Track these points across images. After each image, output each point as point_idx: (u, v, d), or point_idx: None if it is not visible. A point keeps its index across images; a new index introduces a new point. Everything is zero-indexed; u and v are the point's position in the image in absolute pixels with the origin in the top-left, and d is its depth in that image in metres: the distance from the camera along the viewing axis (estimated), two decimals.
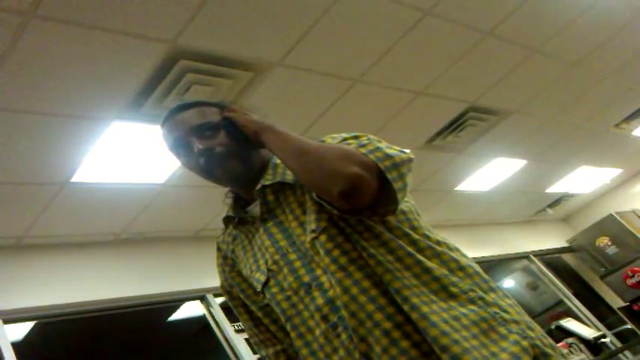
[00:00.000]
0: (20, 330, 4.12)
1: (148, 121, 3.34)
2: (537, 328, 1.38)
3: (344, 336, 1.36)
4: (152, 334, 5.85)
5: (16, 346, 3.58)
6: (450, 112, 4.72)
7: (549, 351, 1.31)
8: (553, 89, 4.97)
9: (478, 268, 1.46)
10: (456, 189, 6.23)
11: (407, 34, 3.62)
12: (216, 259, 1.71)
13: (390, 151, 1.36)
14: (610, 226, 7.84)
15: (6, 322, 3.63)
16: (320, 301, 1.40)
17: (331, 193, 1.32)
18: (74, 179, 3.58)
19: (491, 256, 7.12)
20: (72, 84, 2.94)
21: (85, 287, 4.01)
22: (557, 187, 7.48)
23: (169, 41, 2.93)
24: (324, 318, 1.40)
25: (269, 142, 1.46)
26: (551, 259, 8.15)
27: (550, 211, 8.12)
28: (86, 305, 3.99)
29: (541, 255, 7.88)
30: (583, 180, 7.64)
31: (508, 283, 8.35)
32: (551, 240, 8.26)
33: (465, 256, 1.47)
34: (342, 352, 1.37)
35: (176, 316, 5.40)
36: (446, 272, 1.38)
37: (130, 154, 3.63)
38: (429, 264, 1.38)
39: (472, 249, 6.77)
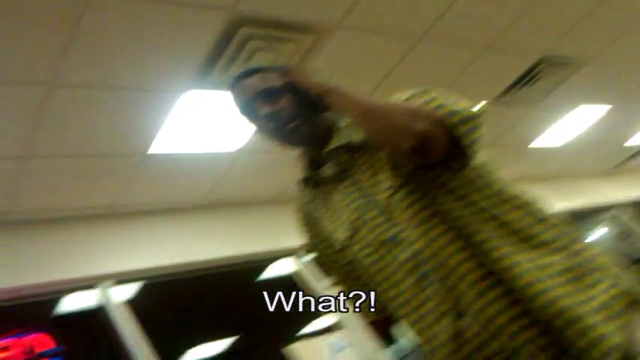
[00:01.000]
0: (127, 291, 4.44)
1: (218, 89, 3.45)
2: (626, 276, 1.38)
3: (433, 287, 1.39)
4: (246, 292, 6.12)
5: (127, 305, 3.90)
6: (521, 66, 4.58)
7: None
8: (632, 34, 4.72)
9: (561, 218, 1.46)
10: (530, 146, 6.03)
11: None
12: (298, 221, 1.75)
13: (457, 107, 1.37)
14: None
15: (113, 283, 3.96)
16: (404, 255, 1.43)
17: (402, 149, 1.34)
18: (153, 150, 3.78)
19: (575, 208, 6.91)
20: (140, 58, 3.08)
21: (180, 250, 4.27)
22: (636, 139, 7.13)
23: (230, 8, 2.99)
24: (412, 271, 1.42)
25: (335, 103, 1.48)
26: None
27: (633, 161, 7.77)
28: (184, 267, 4.25)
29: (628, 205, 7.58)
30: None
31: (596, 234, 8.09)
32: (638, 189, 7.92)
33: (546, 208, 1.46)
34: (431, 303, 1.40)
35: (268, 274, 5.61)
36: (528, 223, 1.39)
37: (203, 123, 3.76)
38: (510, 216, 1.39)
39: (557, 201, 6.57)
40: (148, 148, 3.77)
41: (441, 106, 1.38)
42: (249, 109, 1.57)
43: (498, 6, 3.87)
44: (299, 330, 7.87)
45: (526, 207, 1.44)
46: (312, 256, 1.78)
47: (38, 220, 3.93)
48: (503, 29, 4.08)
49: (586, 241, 1.45)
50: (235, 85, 1.60)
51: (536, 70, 4.65)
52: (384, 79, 4.08)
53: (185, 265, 4.27)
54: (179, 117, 3.61)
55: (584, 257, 1.37)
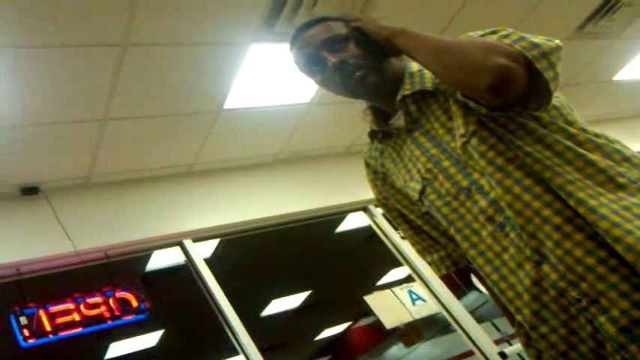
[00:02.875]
0: (209, 247, 4.57)
1: (284, 41, 3.39)
2: None
3: (512, 234, 1.36)
4: (324, 245, 6.19)
5: (208, 262, 3.99)
6: None
7: None
8: None
9: None
10: (614, 78, 5.77)
11: None
12: (367, 175, 1.72)
13: (536, 40, 1.30)
14: None
15: (195, 240, 4.06)
16: (483, 203, 1.40)
17: (479, 88, 1.27)
18: (227, 106, 3.82)
19: None
20: (204, 12, 3.09)
21: (257, 206, 4.33)
22: None
23: None
24: (490, 219, 1.39)
25: (404, 45, 1.42)
26: None
27: None
28: (261, 222, 4.32)
29: None
30: None
31: None
32: None
33: (627, 147, 1.40)
34: (512, 250, 1.37)
35: (343, 227, 5.61)
36: (611, 163, 1.34)
37: (273, 75, 3.76)
38: (592, 156, 1.34)
39: (638, 142, 6.31)
40: (222, 104, 3.81)
41: (520, 38, 1.31)
42: (313, 60, 1.52)
43: None
44: (376, 282, 7.96)
45: (608, 146, 1.37)
46: (384, 209, 1.74)
47: (118, 181, 4.05)
48: None
49: None
50: (296, 38, 1.55)
51: None
52: (458, 12, 3.94)
53: (262, 220, 4.33)
54: (250, 71, 3.62)
55: None
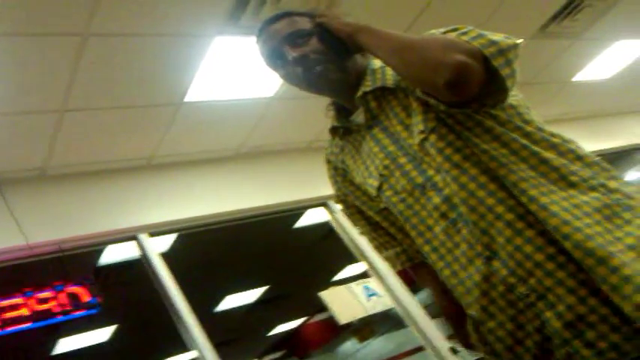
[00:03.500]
0: (165, 242, 4.49)
1: (249, 34, 3.36)
2: None
3: (464, 231, 1.38)
4: (282, 240, 6.16)
5: (164, 256, 3.93)
6: None
7: None
8: None
9: (597, 157, 1.43)
10: (573, 79, 5.90)
11: None
12: (328, 172, 1.73)
13: (494, 37, 1.31)
14: None
15: (152, 235, 3.99)
16: (436, 200, 1.42)
17: (437, 84, 1.28)
18: (188, 98, 3.75)
19: (615, 147, 6.77)
20: (169, 3, 3.05)
21: (215, 200, 4.28)
22: None
23: None
24: (443, 216, 1.41)
25: (366, 41, 1.43)
26: None
27: None
28: (219, 216, 4.26)
29: None
30: None
31: (632, 175, 7.93)
32: None
33: (581, 147, 1.43)
34: (464, 246, 1.39)
35: (302, 223, 5.60)
36: (564, 162, 1.36)
37: (236, 69, 3.72)
38: (546, 155, 1.36)
39: (594, 141, 6.44)
40: (184, 96, 3.75)
41: (478, 36, 1.32)
42: (276, 54, 1.53)
43: None
44: (333, 277, 7.96)
45: (563, 145, 1.40)
46: (342, 205, 1.74)
47: (76, 173, 3.95)
48: None
49: (622, 178, 1.41)
50: (262, 31, 1.56)
51: None
52: (423, 11, 3.96)
53: (220, 215, 4.28)
54: (213, 64, 3.58)
55: (620, 195, 1.33)
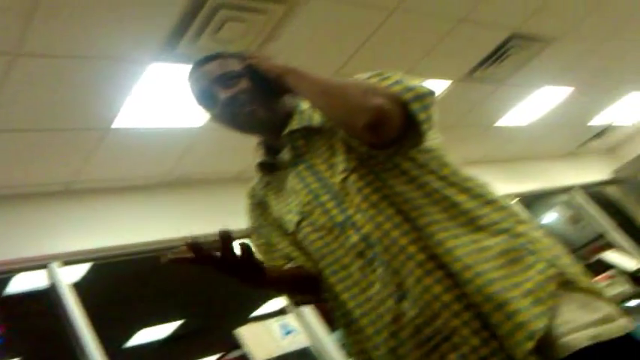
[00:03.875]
0: (77, 272, 4.26)
1: (185, 62, 3.33)
2: (566, 256, 1.41)
3: (380, 270, 1.40)
4: (200, 274, 5.98)
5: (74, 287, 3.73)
6: (492, 41, 4.59)
7: (576, 278, 1.34)
8: (600, 12, 4.77)
9: (508, 201, 1.48)
10: (496, 125, 6.12)
11: None
12: (249, 205, 1.75)
13: (411, 84, 1.39)
14: None
15: (66, 263, 3.78)
16: (354, 238, 1.44)
17: (357, 126, 1.35)
18: (115, 125, 3.63)
19: (533, 190, 7.03)
20: (105, 25, 2.96)
21: (135, 229, 4.13)
22: (602, 118, 7.28)
23: None
24: (360, 254, 1.43)
25: (294, 83, 1.48)
26: (595, 192, 8.03)
27: (594, 142, 7.94)
28: (138, 247, 4.10)
29: (585, 188, 7.76)
30: (630, 108, 7.39)
31: (549, 217, 8.27)
32: (595, 172, 8.11)
33: (493, 191, 1.49)
34: (378, 285, 1.40)
35: None
36: (474, 205, 1.41)
37: (168, 97, 3.64)
38: (458, 198, 1.41)
39: (513, 183, 6.69)
40: (112, 122, 3.62)
41: (396, 82, 1.39)
42: (207, 95, 1.58)
43: None
44: (252, 312, 7.83)
45: (475, 189, 1.46)
46: (254, 236, 1.75)
47: None
48: (477, 2, 4.06)
49: (531, 222, 1.47)
50: (193, 72, 1.61)
51: (507, 46, 4.68)
52: (358, 51, 4.01)
53: (139, 245, 4.11)
54: (145, 90, 3.48)
55: (526, 239, 1.38)
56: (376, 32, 3.89)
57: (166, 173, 4.39)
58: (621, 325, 1.30)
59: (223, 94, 1.53)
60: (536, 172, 7.39)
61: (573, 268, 1.37)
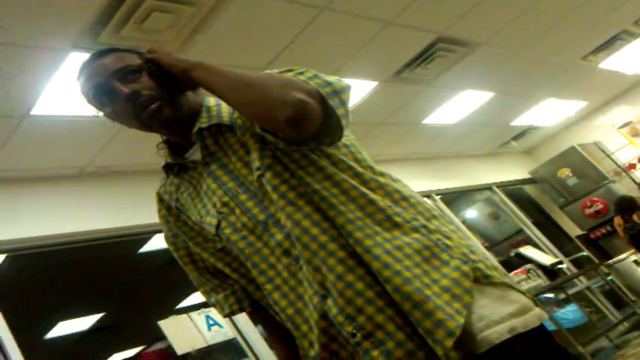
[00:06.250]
0: None
1: None
2: (479, 251, 1.41)
3: (303, 270, 1.38)
4: (124, 265, 5.88)
5: None
6: (419, 43, 4.68)
7: (490, 272, 1.34)
8: (522, 20, 4.95)
9: (420, 197, 1.48)
10: (423, 122, 6.25)
11: None
12: (159, 212, 1.64)
13: (329, 79, 1.36)
14: (572, 157, 8.03)
15: None
16: (279, 236, 1.41)
17: (277, 121, 1.29)
18: (34, 112, 3.49)
19: (455, 187, 7.24)
20: (27, 12, 2.83)
21: (53, 220, 4.00)
22: (522, 120, 7.57)
23: None
24: (286, 252, 1.40)
25: (202, 78, 1.38)
26: (513, 190, 8.34)
27: (514, 143, 8.25)
28: (55, 238, 3.97)
29: (503, 186, 8.04)
30: (548, 112, 7.73)
31: (471, 213, 8.53)
32: (514, 172, 8.42)
33: (407, 186, 1.49)
34: (305, 283, 1.39)
35: (147, 247, 5.42)
36: (390, 203, 1.40)
37: None
38: (374, 195, 1.39)
39: (437, 181, 6.88)
40: (30, 109, 3.46)
41: (314, 76, 1.36)
42: (103, 90, 1.44)
43: None
44: (175, 305, 7.73)
45: (389, 185, 1.44)
46: (171, 248, 1.65)
47: None
48: (406, 5, 4.12)
49: (443, 217, 1.48)
50: (85, 67, 1.47)
51: (433, 48, 4.78)
52: (286, 48, 4.00)
53: (56, 237, 3.99)
54: (66, 78, 3.33)
55: (440, 235, 1.38)
56: (305, 30, 3.89)
57: (87, 164, 4.26)
58: (537, 315, 1.32)
59: (124, 89, 1.41)
60: (459, 170, 7.61)
61: (486, 262, 1.37)
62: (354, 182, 1.40)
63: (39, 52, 3.12)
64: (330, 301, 1.34)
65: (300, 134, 1.33)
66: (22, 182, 4.03)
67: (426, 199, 6.59)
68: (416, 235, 1.36)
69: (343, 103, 1.35)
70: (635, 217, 6.71)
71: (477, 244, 6.52)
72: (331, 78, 1.36)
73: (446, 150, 7.38)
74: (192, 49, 3.53)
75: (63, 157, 4.08)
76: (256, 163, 1.41)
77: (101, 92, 1.44)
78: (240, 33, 3.66)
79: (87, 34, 3.11)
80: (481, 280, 1.32)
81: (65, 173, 4.24)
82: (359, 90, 4.89)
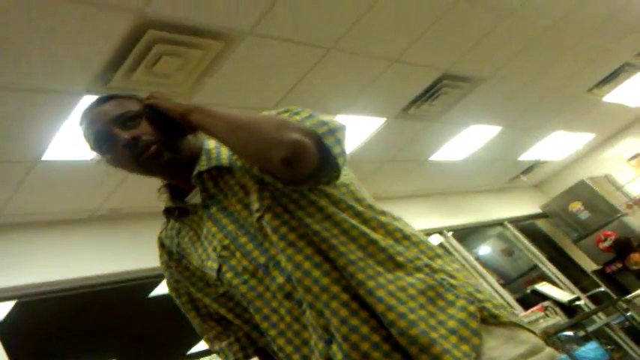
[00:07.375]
0: (1, 309, 4.10)
1: None
2: (485, 290, 1.38)
3: (307, 314, 1.35)
4: (135, 310, 5.84)
5: None
6: (425, 80, 4.71)
7: (497, 312, 1.32)
8: (526, 54, 4.99)
9: (423, 236, 1.46)
10: (430, 159, 6.26)
11: None
12: (160, 257, 1.65)
13: (324, 118, 1.35)
14: (582, 191, 7.98)
15: None
16: (280, 279, 1.38)
17: (273, 162, 1.29)
18: (45, 157, 3.52)
19: (466, 223, 7.19)
20: (38, 57, 2.87)
21: (64, 265, 3.98)
22: (530, 154, 7.57)
23: (137, 10, 2.86)
24: (288, 296, 1.38)
25: (201, 121, 1.39)
26: (525, 225, 8.27)
27: (524, 178, 8.21)
28: (66, 283, 3.96)
29: (515, 221, 7.98)
30: (556, 146, 7.73)
31: (483, 250, 8.46)
32: (525, 206, 8.37)
33: (408, 225, 1.47)
34: (310, 328, 1.36)
35: (158, 291, 5.37)
36: (391, 242, 1.38)
37: None
38: (375, 235, 1.37)
39: (448, 217, 6.84)
40: (41, 154, 3.49)
41: (310, 116, 1.36)
42: (104, 137, 1.46)
43: (406, 21, 3.97)
44: (187, 350, 7.65)
45: (391, 224, 1.43)
46: (173, 294, 1.65)
47: None
48: (410, 43, 4.18)
49: (446, 256, 1.45)
50: (87, 114, 1.50)
51: (439, 85, 4.81)
52: (293, 87, 4.04)
53: (67, 282, 3.97)
54: (77, 123, 3.33)
55: (444, 274, 1.36)
56: (312, 70, 3.93)
57: (97, 207, 4.27)
58: (548, 355, 1.29)
59: (124, 135, 1.43)
60: (470, 205, 7.57)
61: (493, 300, 1.34)
62: (354, 222, 1.38)
63: (52, 97, 3.15)
64: (335, 347, 1.30)
65: (296, 174, 1.32)
66: (32, 227, 4.03)
67: (437, 235, 6.64)
68: (419, 275, 1.33)
69: (339, 142, 1.34)
70: (636, 258, 6.63)
71: (492, 281, 6.46)
72: (327, 117, 1.36)
73: (455, 186, 7.37)
74: (201, 92, 3.58)
75: (74, 201, 4.10)
76: (256, 205, 1.40)
77: (102, 139, 1.47)
78: (248, 75, 3.71)
79: (98, 80, 3.16)
80: (489, 320, 1.29)
81: (75, 217, 4.24)
82: (366, 128, 4.91)
